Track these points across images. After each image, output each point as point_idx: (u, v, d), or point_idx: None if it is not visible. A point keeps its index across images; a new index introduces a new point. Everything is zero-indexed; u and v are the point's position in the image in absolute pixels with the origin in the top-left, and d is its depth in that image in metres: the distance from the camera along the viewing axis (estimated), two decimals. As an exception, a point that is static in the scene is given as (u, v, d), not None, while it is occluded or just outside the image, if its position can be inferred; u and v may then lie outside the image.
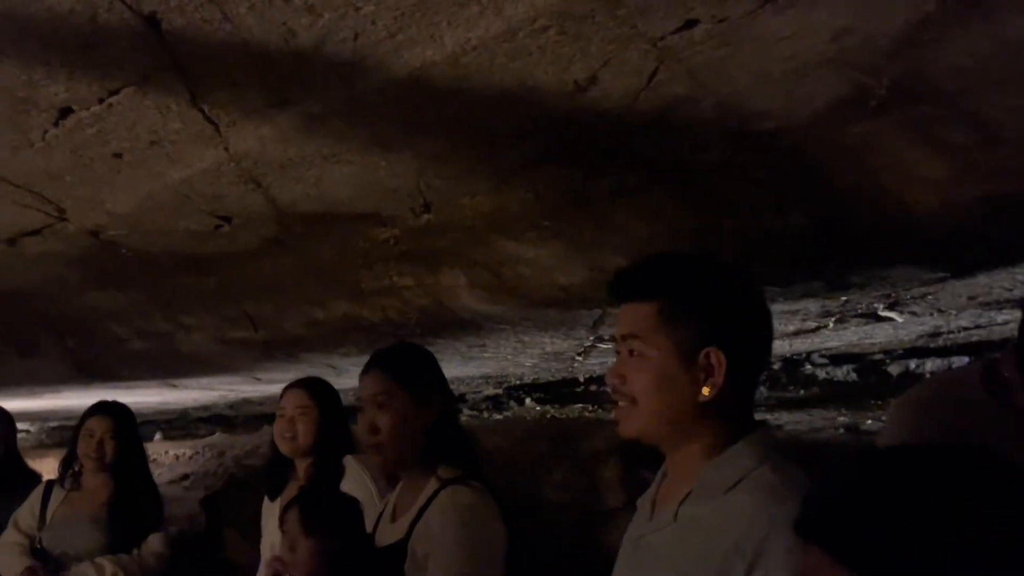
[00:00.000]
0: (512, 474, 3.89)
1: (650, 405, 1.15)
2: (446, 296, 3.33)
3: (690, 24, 1.50)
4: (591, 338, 4.07)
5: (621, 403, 1.20)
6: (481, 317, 3.50)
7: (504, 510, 1.75)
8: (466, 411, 7.01)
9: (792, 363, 5.67)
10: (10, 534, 2.90)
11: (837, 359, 5.64)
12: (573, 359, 5.07)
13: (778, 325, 3.73)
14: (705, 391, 1.12)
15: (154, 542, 2.85)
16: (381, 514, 1.87)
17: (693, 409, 1.13)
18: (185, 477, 5.12)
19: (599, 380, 6.94)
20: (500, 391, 7.44)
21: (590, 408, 6.94)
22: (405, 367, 1.83)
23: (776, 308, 3.29)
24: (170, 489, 4.71)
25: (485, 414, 7.16)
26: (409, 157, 2.15)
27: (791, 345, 4.72)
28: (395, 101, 1.81)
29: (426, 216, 2.64)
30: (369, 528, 1.83)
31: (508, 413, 7.17)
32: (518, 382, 6.98)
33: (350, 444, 2.34)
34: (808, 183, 2.26)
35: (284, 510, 1.84)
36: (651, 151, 2.15)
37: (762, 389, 5.76)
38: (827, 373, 5.66)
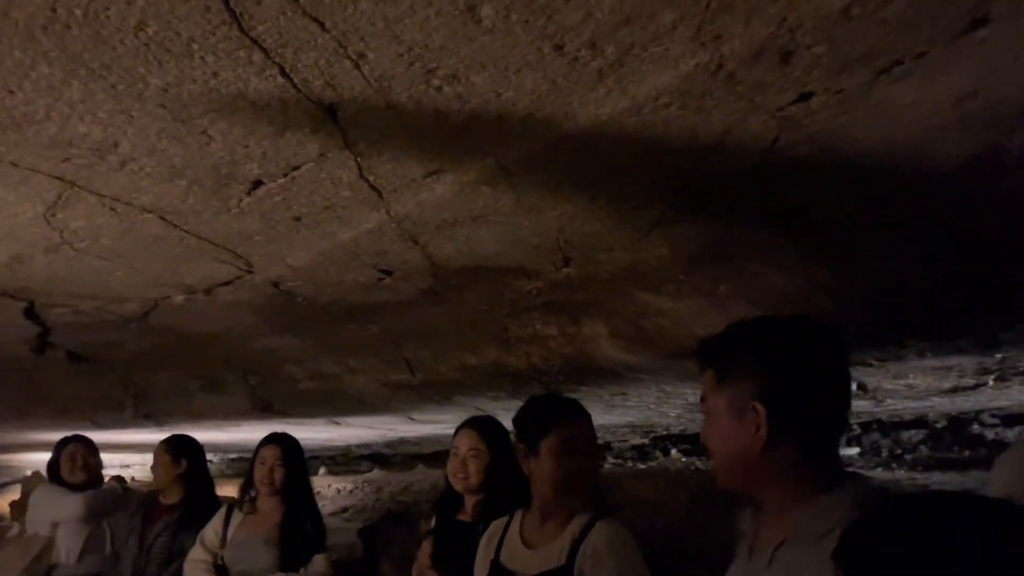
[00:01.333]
0: (653, 523, 3.92)
1: (719, 458, 1.32)
2: (587, 345, 3.48)
3: (806, 96, 1.60)
4: (734, 389, 4.07)
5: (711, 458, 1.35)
6: (621, 366, 3.61)
7: None
8: (611, 459, 7.05)
9: (958, 422, 5.35)
10: (197, 551, 3.25)
11: (1011, 419, 5.27)
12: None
13: (931, 382, 3.59)
14: (755, 442, 1.23)
15: (319, 562, 3.10)
16: (501, 541, 2.01)
17: (756, 459, 1.25)
18: (345, 510, 5.47)
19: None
20: (646, 441, 7.43)
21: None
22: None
23: (926, 364, 3.20)
24: (332, 520, 5.05)
25: (629, 463, 7.17)
26: (550, 217, 2.34)
27: (952, 403, 4.49)
28: (535, 168, 2.00)
29: (566, 270, 2.81)
30: (490, 555, 1.98)
31: (653, 463, 7.14)
32: (664, 432, 6.96)
33: (518, 482, 2.45)
34: (951, 238, 2.25)
35: (420, 541, 2.02)
36: (784, 209, 2.22)
37: (923, 448, 5.47)
38: (996, 434, 5.29)
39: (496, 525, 2.06)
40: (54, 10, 1.32)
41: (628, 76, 1.56)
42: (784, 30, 1.38)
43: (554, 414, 2.00)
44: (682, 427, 6.78)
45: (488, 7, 1.35)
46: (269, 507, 3.18)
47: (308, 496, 3.24)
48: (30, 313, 3.45)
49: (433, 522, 2.61)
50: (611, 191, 2.16)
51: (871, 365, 3.31)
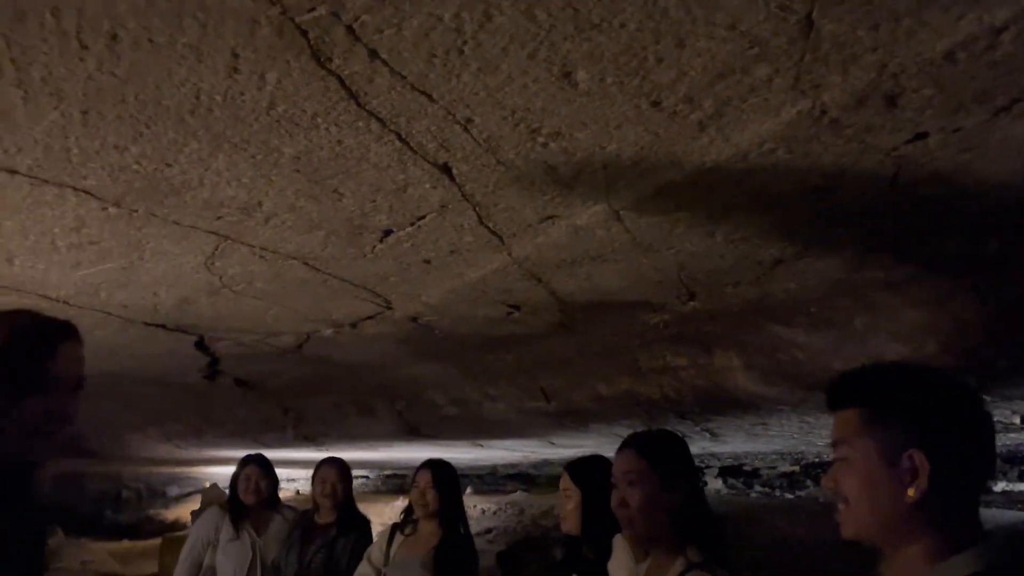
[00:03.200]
0: (795, 559, 3.76)
1: (860, 507, 1.21)
2: (721, 377, 3.42)
3: (921, 136, 1.54)
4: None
5: (840, 505, 1.27)
6: (758, 398, 3.52)
7: None
8: (757, 487, 6.80)
9: None
10: (364, 567, 3.42)
11: None
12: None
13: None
14: (911, 492, 1.15)
15: None
16: None
17: (903, 511, 1.16)
18: (489, 531, 5.59)
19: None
20: (797, 468, 7.13)
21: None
22: (656, 449, 1.98)
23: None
24: (476, 541, 5.17)
25: (777, 492, 6.88)
26: (668, 255, 2.35)
27: None
28: (647, 212, 2.03)
29: (692, 303, 2.79)
30: None
31: (802, 493, 6.81)
32: (816, 460, 6.65)
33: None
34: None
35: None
36: (914, 245, 2.12)
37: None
38: None
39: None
40: (197, 97, 1.50)
41: (729, 125, 1.56)
42: (886, 76, 1.35)
43: None
44: (836, 456, 6.45)
45: (583, 72, 1.40)
46: (427, 530, 3.28)
47: (462, 521, 3.33)
48: (200, 345, 3.81)
49: (560, 555, 2.64)
50: (727, 230, 2.14)
51: (1033, 401, 3.06)
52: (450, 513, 3.26)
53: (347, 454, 5.37)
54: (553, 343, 3.54)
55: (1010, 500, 6.17)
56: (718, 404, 3.70)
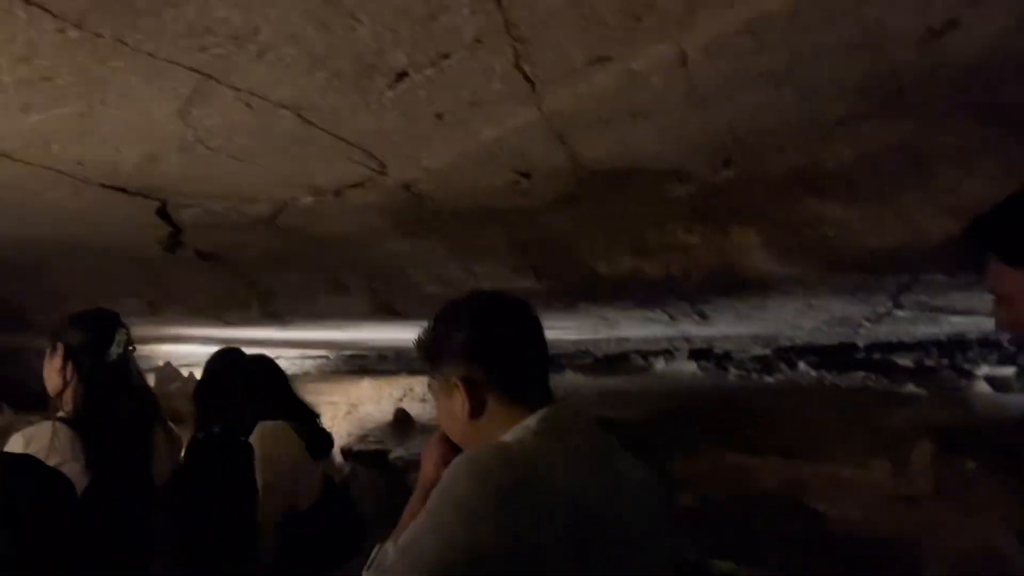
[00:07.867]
0: (795, 443, 3.70)
1: None
2: (734, 255, 3.22)
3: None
4: (889, 304, 3.75)
5: None
6: (771, 278, 3.34)
7: None
8: (732, 370, 6.81)
9: None
10: None
11: None
12: (860, 324, 4.72)
13: None
14: None
15: None
16: None
17: None
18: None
19: (884, 348, 6.41)
20: (768, 352, 7.13)
21: (872, 378, 6.44)
22: None
23: None
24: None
25: (754, 375, 6.90)
26: (723, 111, 2.07)
27: None
28: (719, 55, 1.73)
29: (725, 172, 2.54)
30: None
31: (780, 376, 6.84)
32: (788, 344, 6.65)
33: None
34: None
35: None
36: (1015, 104, 1.88)
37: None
38: None
39: None
40: None
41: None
42: None
43: None
44: (810, 339, 6.45)
45: None
46: None
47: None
48: (162, 212, 3.44)
49: None
50: (800, 82, 1.86)
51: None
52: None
53: (312, 334, 5.09)
54: (555, 218, 3.27)
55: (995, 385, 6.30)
56: (723, 284, 3.52)
